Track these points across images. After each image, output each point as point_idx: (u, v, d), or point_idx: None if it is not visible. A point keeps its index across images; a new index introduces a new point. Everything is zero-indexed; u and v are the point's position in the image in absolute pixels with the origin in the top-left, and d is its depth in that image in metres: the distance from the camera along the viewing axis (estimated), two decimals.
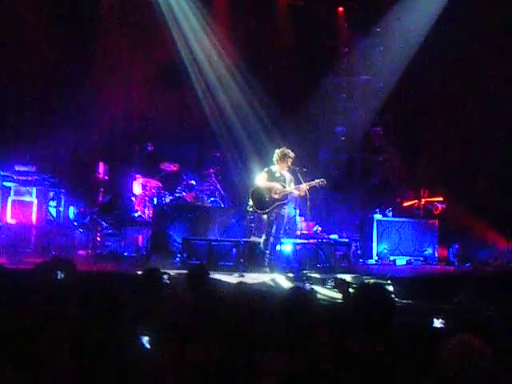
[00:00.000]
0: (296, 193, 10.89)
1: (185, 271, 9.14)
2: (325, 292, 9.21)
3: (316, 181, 10.91)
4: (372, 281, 9.84)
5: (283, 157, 10.74)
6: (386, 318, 3.85)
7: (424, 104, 16.38)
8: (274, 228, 10.78)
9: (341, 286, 5.93)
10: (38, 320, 3.94)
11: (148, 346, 4.16)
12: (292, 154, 10.78)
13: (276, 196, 10.68)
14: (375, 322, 3.82)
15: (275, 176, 10.82)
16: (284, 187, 10.73)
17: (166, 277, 6.23)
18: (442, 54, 15.72)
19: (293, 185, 10.79)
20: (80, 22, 14.40)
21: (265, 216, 10.82)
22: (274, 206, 10.69)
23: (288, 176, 10.85)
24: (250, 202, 10.93)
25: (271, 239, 10.80)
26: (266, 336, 4.30)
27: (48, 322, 3.95)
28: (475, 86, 15.47)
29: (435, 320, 5.15)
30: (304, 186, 10.73)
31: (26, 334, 3.69)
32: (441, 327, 5.13)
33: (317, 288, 9.31)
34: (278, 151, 10.84)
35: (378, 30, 16.67)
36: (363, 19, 16.65)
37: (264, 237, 10.89)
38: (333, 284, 9.10)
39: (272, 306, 4.57)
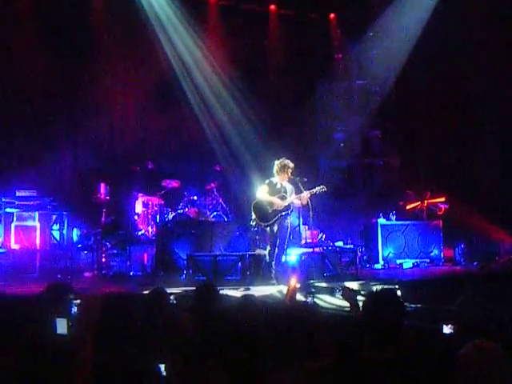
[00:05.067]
0: (297, 202, 10.87)
1: (191, 288, 9.15)
2: (333, 301, 9.16)
3: (316, 188, 10.89)
4: (379, 287, 9.81)
5: (283, 167, 10.73)
6: (396, 325, 3.82)
7: (421, 105, 16.41)
8: (279, 239, 10.76)
9: (348, 294, 5.87)
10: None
11: (165, 373, 4.12)
12: (291, 165, 10.76)
13: (278, 208, 10.68)
14: (386, 329, 3.78)
15: (276, 187, 10.81)
16: (285, 199, 10.72)
17: (172, 297, 6.19)
18: (436, 55, 15.73)
19: (294, 195, 10.78)
20: (76, 45, 14.42)
21: (268, 228, 10.80)
22: (276, 217, 10.68)
23: (289, 187, 10.84)
24: (253, 216, 10.90)
25: (276, 250, 10.78)
26: (272, 351, 4.27)
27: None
28: (472, 84, 15.48)
29: (444, 326, 5.11)
30: (305, 194, 10.71)
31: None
32: (450, 333, 5.09)
33: (324, 297, 9.27)
34: (277, 162, 10.83)
35: (371, 34, 16.69)
36: (355, 24, 16.68)
37: (269, 248, 10.87)
38: (341, 293, 9.06)
39: (277, 321, 4.55)
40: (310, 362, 4.03)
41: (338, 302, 8.95)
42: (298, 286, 8.91)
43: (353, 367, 3.74)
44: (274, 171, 10.85)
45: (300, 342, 4.17)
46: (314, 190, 10.85)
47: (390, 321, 3.77)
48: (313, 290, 9.94)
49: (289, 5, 16.75)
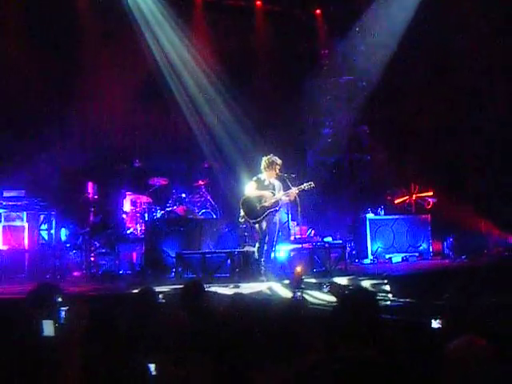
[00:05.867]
0: (286, 198, 10.86)
1: (180, 286, 9.14)
2: (321, 296, 9.17)
3: (305, 184, 10.87)
4: (366, 282, 9.84)
5: (271, 164, 10.71)
6: (370, 325, 3.81)
7: (408, 99, 16.42)
8: (267, 236, 10.75)
9: (335, 289, 5.89)
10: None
11: (154, 372, 4.10)
12: (279, 161, 10.75)
13: (266, 204, 10.66)
14: (360, 328, 3.78)
15: (264, 184, 10.80)
16: (274, 194, 10.71)
17: (161, 296, 6.18)
18: (422, 49, 15.78)
19: (282, 191, 10.77)
20: (61, 43, 14.34)
21: (257, 225, 10.79)
22: (265, 214, 10.67)
23: (277, 183, 10.83)
24: (241, 212, 10.87)
25: (265, 247, 10.77)
26: (262, 348, 4.28)
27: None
28: (458, 78, 15.52)
29: (433, 320, 5.12)
30: (293, 190, 10.70)
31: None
32: (438, 327, 5.11)
33: (313, 293, 9.28)
34: (265, 159, 10.82)
35: (357, 29, 16.69)
36: (341, 20, 16.70)
37: (258, 245, 10.85)
38: (329, 288, 9.08)
39: (266, 318, 4.55)
40: (299, 358, 4.04)
41: (326, 297, 8.98)
42: (304, 273, 8.94)
43: (334, 366, 3.73)
44: (262, 168, 10.83)
45: (289, 338, 4.17)
46: (302, 186, 10.84)
47: (363, 322, 3.77)
48: (302, 285, 9.98)
49: (274, 1, 16.74)
